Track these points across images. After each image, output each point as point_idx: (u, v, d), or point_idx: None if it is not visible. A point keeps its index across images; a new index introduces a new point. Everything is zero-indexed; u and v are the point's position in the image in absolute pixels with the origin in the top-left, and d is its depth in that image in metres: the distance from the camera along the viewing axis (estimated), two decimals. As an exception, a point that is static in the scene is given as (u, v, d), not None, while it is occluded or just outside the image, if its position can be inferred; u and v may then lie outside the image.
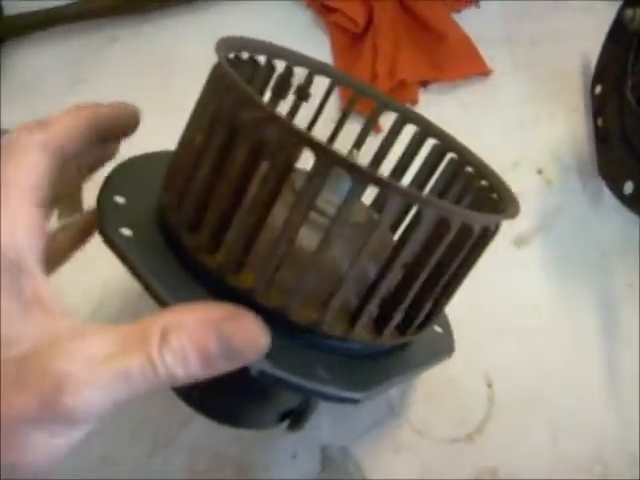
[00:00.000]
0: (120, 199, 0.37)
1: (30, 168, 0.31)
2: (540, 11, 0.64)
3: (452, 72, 0.62)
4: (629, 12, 0.47)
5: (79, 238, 0.41)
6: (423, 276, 0.35)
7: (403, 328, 0.38)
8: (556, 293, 0.54)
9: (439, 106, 0.60)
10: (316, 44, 0.54)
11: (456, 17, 0.64)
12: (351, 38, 0.64)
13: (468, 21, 0.64)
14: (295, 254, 0.33)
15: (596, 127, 0.57)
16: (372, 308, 0.35)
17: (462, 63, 0.62)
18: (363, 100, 0.51)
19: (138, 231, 0.36)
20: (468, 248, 0.37)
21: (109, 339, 0.28)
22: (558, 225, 0.56)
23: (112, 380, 0.28)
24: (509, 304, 0.54)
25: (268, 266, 0.32)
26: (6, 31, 0.72)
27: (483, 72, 0.62)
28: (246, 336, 0.29)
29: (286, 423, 0.45)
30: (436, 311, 0.39)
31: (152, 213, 0.38)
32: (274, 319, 0.32)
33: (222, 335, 0.29)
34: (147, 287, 0.33)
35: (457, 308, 0.50)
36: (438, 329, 0.48)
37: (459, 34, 0.62)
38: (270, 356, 0.31)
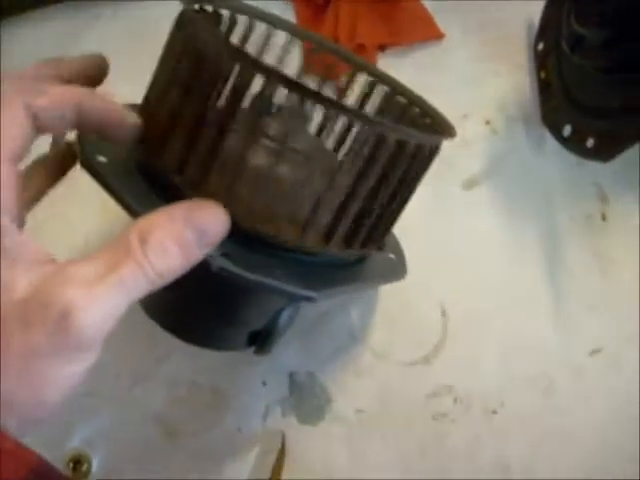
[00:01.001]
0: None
1: (12, 127, 0.32)
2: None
3: (407, 37, 0.66)
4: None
5: (54, 174, 0.42)
6: (366, 192, 0.39)
7: (349, 241, 0.41)
8: (504, 228, 0.58)
9: (395, 68, 0.64)
10: (280, 15, 0.58)
11: (410, -15, 0.69)
12: (314, 9, 0.69)
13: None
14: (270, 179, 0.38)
15: (539, 80, 0.62)
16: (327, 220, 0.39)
17: (416, 28, 0.66)
18: (322, 60, 0.56)
19: (113, 158, 0.40)
20: (419, 167, 0.41)
21: (97, 262, 0.30)
22: (505, 169, 0.60)
23: (110, 294, 0.30)
24: (461, 239, 0.58)
25: (229, 183, 0.37)
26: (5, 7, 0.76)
27: (436, 36, 0.66)
28: (211, 217, 0.34)
29: (253, 348, 0.49)
30: (380, 227, 0.43)
31: (125, 148, 0.43)
32: (240, 233, 0.36)
33: (192, 221, 0.32)
34: (122, 203, 0.37)
35: (413, 243, 0.55)
36: (392, 256, 0.52)
37: (414, 2, 0.67)
38: (232, 257, 0.35)
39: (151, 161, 0.39)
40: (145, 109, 0.41)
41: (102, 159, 0.40)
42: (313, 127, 0.47)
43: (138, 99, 0.47)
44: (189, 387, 0.56)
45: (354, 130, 0.37)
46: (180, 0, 0.42)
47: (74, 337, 0.29)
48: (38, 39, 0.76)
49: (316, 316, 0.56)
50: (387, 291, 0.56)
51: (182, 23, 0.40)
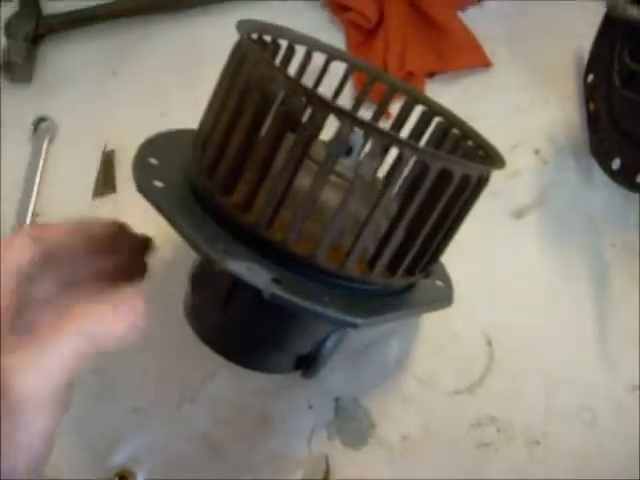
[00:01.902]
0: (153, 160, 0.44)
1: None
2: (537, 9, 0.69)
3: (456, 64, 0.67)
4: (612, 1, 0.53)
5: None
6: (410, 220, 0.40)
7: (393, 268, 0.42)
8: (551, 259, 0.59)
9: (443, 95, 0.65)
10: (332, 41, 0.59)
11: (460, 15, 0.70)
12: (364, 34, 0.70)
13: (471, 19, 0.69)
14: (317, 208, 0.38)
15: (588, 111, 0.62)
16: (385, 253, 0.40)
17: (465, 56, 0.67)
18: (376, 88, 0.57)
19: (169, 185, 0.42)
20: (466, 196, 0.42)
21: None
22: (553, 199, 0.61)
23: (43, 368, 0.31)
24: (508, 269, 0.59)
25: (296, 221, 0.38)
26: (44, 29, 0.78)
27: (484, 64, 0.67)
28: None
29: (300, 372, 0.51)
30: (426, 255, 0.44)
31: (181, 173, 0.44)
32: (295, 263, 0.38)
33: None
34: (176, 228, 0.39)
35: (461, 272, 0.55)
36: (439, 283, 0.53)
37: (462, 30, 0.68)
38: (283, 283, 0.36)
39: (218, 198, 0.40)
40: (205, 140, 0.42)
41: (158, 184, 0.41)
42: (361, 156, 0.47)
43: (188, 120, 0.48)
44: (235, 408, 0.57)
45: (401, 158, 0.37)
46: (237, 29, 0.43)
47: (13, 399, 0.30)
48: (85, 56, 0.78)
49: (364, 343, 0.57)
50: (433, 319, 0.57)
51: (242, 56, 0.41)
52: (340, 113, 0.36)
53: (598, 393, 0.55)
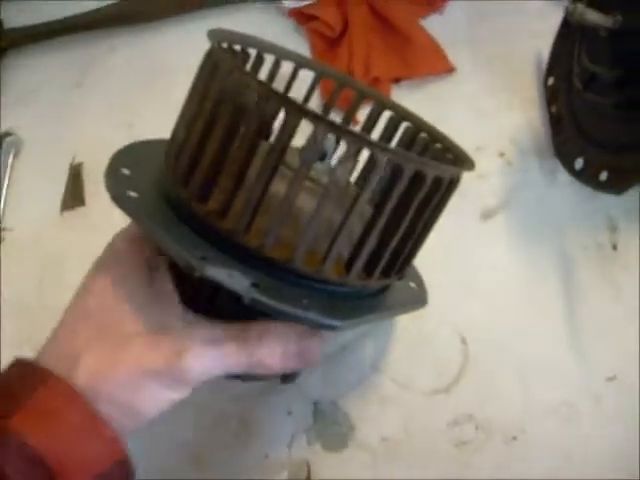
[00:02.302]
0: (125, 171, 0.44)
1: None
2: (496, 15, 0.71)
3: (420, 70, 0.69)
4: (570, 6, 0.54)
5: None
6: (384, 223, 0.40)
7: (369, 271, 0.43)
8: (520, 258, 0.60)
9: (409, 100, 0.66)
10: (297, 49, 0.60)
11: (423, 22, 0.71)
12: (328, 43, 0.71)
13: (433, 25, 0.71)
14: (293, 214, 0.39)
15: (550, 114, 0.64)
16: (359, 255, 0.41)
17: (429, 62, 0.69)
18: (343, 95, 0.57)
19: (143, 194, 0.42)
20: (438, 198, 0.43)
21: (216, 331, 0.41)
22: (519, 200, 0.62)
23: (215, 357, 0.40)
24: (478, 269, 0.60)
25: (272, 227, 0.38)
26: (7, 43, 0.78)
27: (447, 69, 0.69)
28: (314, 347, 0.43)
29: (279, 378, 0.51)
30: (400, 257, 0.44)
31: (154, 182, 0.44)
32: (273, 268, 0.39)
33: (300, 345, 0.42)
34: (153, 236, 0.39)
35: (432, 273, 0.56)
36: (413, 284, 0.54)
37: (425, 36, 0.69)
38: (261, 287, 0.37)
39: (194, 206, 0.40)
40: (179, 149, 0.43)
41: (133, 194, 0.41)
42: (333, 160, 0.48)
43: (156, 131, 0.48)
44: (216, 416, 0.58)
45: (375, 161, 0.38)
46: (208, 37, 0.43)
47: (180, 371, 0.39)
48: (49, 70, 0.78)
49: (339, 346, 0.58)
50: (406, 320, 0.58)
51: (214, 64, 0.41)
52: (315, 118, 0.37)
53: (575, 387, 0.55)
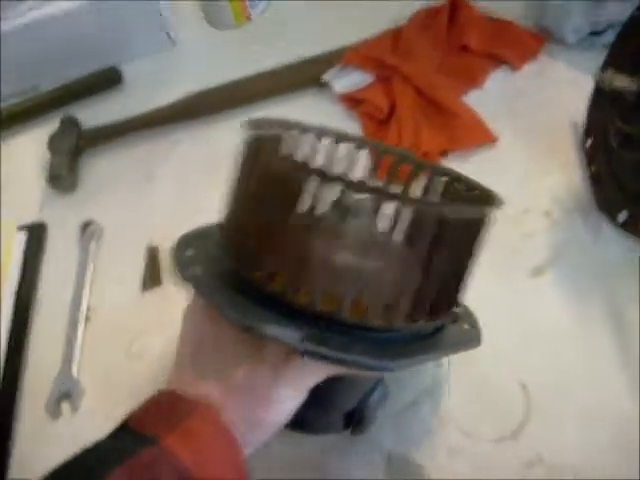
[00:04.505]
0: (190, 251, 0.50)
1: None
2: (532, 88, 0.77)
3: (465, 142, 0.74)
4: (600, 74, 0.60)
5: None
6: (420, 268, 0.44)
7: (413, 314, 0.45)
8: (572, 309, 0.63)
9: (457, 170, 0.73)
10: (350, 131, 0.66)
11: (464, 97, 0.78)
12: (378, 123, 0.77)
13: (474, 100, 0.77)
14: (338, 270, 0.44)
15: (590, 173, 0.69)
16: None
17: (473, 134, 0.74)
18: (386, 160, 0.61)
19: (205, 270, 0.48)
20: (471, 239, 0.47)
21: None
22: (567, 256, 0.66)
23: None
24: (533, 321, 0.63)
25: (319, 286, 0.43)
26: (85, 143, 0.86)
27: (490, 140, 0.74)
28: None
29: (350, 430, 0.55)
30: (443, 299, 0.47)
31: (214, 259, 0.49)
32: (325, 319, 0.43)
33: None
34: (220, 309, 0.44)
35: (489, 326, 0.60)
36: (467, 326, 0.56)
37: (468, 111, 0.75)
38: (316, 340, 0.42)
39: (246, 275, 0.45)
40: (230, 226, 0.48)
41: (197, 271, 0.47)
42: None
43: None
44: (293, 466, 0.61)
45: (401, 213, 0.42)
46: (246, 128, 0.49)
47: (294, 376, 0.46)
48: (122, 164, 0.85)
49: (406, 402, 0.61)
50: (468, 372, 0.61)
51: (254, 148, 0.47)
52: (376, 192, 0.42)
53: (634, 426, 0.58)
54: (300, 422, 0.50)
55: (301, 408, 0.49)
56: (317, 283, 0.43)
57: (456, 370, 0.62)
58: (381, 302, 0.44)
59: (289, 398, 0.46)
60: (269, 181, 0.44)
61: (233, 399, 0.46)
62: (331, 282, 0.43)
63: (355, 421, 0.54)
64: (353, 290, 0.43)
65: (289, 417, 0.47)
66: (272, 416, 0.46)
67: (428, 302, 0.46)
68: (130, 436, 0.44)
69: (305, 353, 0.41)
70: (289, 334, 0.42)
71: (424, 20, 0.83)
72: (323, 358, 0.41)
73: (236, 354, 0.47)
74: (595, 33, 0.77)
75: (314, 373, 0.46)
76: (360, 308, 0.44)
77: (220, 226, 0.50)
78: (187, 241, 0.52)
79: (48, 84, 0.95)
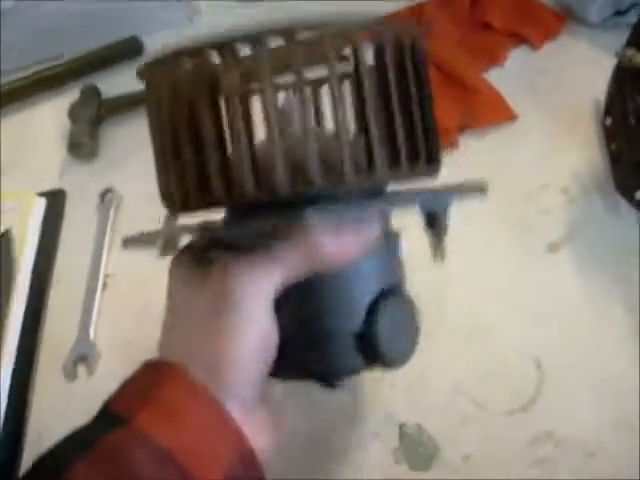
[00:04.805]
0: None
1: None
2: (553, 67, 0.77)
3: (485, 119, 0.74)
4: (621, 52, 0.60)
5: None
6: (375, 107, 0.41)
7: (394, 162, 0.41)
8: (587, 285, 0.64)
9: (476, 147, 0.73)
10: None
11: (485, 75, 0.78)
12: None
13: (495, 78, 0.77)
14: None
15: (610, 152, 0.69)
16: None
17: (493, 111, 0.74)
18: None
19: None
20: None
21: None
22: (584, 233, 0.66)
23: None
24: (548, 297, 0.63)
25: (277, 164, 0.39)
26: (105, 111, 0.86)
27: (510, 117, 0.74)
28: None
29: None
30: (417, 137, 0.43)
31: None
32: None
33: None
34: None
35: (503, 301, 0.61)
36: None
37: (489, 88, 0.75)
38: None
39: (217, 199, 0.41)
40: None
41: None
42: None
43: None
44: (304, 439, 0.61)
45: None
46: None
47: (233, 300, 0.40)
48: (142, 133, 0.86)
49: (420, 371, 0.62)
50: (483, 347, 0.62)
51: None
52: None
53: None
54: (304, 364, 0.45)
55: (299, 349, 0.44)
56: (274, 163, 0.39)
57: (470, 343, 0.63)
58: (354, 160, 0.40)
59: (247, 320, 0.39)
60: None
61: (196, 351, 0.40)
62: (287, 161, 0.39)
63: (366, 345, 0.44)
64: (314, 154, 0.39)
65: (264, 345, 0.40)
66: (237, 345, 0.39)
67: (401, 144, 0.42)
68: (104, 419, 0.40)
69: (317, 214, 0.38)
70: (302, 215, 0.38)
71: (447, -5, 0.83)
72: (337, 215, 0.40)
73: (201, 310, 0.42)
74: (618, 13, 0.77)
75: (266, 273, 0.40)
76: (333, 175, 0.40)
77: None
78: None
79: (69, 54, 0.96)
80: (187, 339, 0.42)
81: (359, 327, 0.44)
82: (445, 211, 0.46)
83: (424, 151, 0.43)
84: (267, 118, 0.39)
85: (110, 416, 0.40)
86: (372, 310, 0.44)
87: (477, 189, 0.48)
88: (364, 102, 0.40)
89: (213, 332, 0.40)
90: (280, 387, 0.51)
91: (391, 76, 0.41)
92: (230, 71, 0.40)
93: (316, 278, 0.42)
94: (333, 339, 0.44)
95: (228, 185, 0.40)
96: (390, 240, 0.47)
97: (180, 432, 0.38)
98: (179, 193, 0.44)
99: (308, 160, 0.39)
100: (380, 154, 0.40)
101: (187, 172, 0.42)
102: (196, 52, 0.41)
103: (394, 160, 0.41)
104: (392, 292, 0.45)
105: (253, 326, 0.40)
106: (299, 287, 0.42)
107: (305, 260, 0.40)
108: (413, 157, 0.42)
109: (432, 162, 0.44)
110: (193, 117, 0.41)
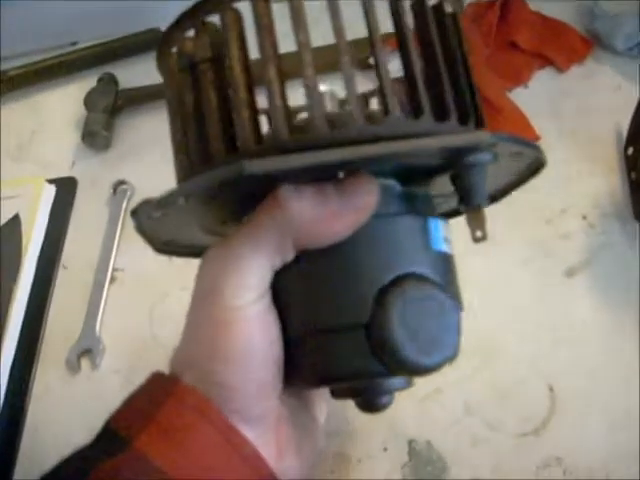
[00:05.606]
0: None
1: None
2: (577, 91, 0.77)
3: (507, 139, 0.74)
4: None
5: None
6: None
7: (440, 113, 0.37)
8: (603, 312, 0.64)
9: None
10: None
11: (509, 94, 0.77)
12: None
13: (519, 98, 0.77)
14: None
15: (630, 180, 0.69)
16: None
17: (515, 131, 0.73)
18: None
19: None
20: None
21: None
22: (602, 259, 0.66)
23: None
24: (563, 322, 0.64)
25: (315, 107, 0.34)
26: (122, 102, 0.85)
27: (533, 139, 0.74)
28: (360, 183, 0.36)
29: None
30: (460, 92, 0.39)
31: None
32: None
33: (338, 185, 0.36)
34: None
35: (520, 324, 0.60)
36: None
37: (513, 107, 0.75)
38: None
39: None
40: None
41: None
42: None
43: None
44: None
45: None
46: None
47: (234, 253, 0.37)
48: (157, 125, 0.85)
49: (433, 387, 0.61)
50: (498, 368, 0.62)
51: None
52: None
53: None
54: (313, 367, 0.39)
55: (306, 350, 0.39)
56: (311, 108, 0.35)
57: (485, 364, 0.62)
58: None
59: (238, 316, 0.35)
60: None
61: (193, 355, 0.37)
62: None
63: (375, 341, 0.36)
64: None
65: (263, 340, 0.36)
66: (233, 337, 0.35)
67: (448, 97, 0.37)
68: (105, 439, 0.36)
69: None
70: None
71: (475, 12, 0.83)
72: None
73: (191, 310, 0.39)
74: (645, 42, 0.78)
75: (247, 262, 0.36)
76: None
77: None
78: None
79: (83, 42, 0.95)
80: (184, 344, 0.39)
81: (367, 320, 0.36)
82: (484, 174, 0.38)
83: (472, 110, 0.39)
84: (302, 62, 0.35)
85: (110, 435, 0.36)
86: (381, 298, 0.36)
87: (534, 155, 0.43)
88: (406, 41, 0.37)
89: (206, 335, 0.36)
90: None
91: (432, 29, 0.38)
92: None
93: (309, 261, 0.37)
94: (338, 336, 0.37)
95: (259, 136, 0.36)
96: (411, 217, 0.39)
97: (186, 458, 0.34)
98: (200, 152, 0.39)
99: (349, 101, 0.34)
100: (426, 100, 0.36)
101: (211, 127, 0.38)
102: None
103: (441, 111, 0.36)
104: (412, 279, 0.37)
105: (245, 321, 0.36)
106: (294, 273, 0.37)
107: (282, 233, 0.35)
108: (462, 112, 0.38)
109: (480, 125, 0.41)
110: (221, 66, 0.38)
